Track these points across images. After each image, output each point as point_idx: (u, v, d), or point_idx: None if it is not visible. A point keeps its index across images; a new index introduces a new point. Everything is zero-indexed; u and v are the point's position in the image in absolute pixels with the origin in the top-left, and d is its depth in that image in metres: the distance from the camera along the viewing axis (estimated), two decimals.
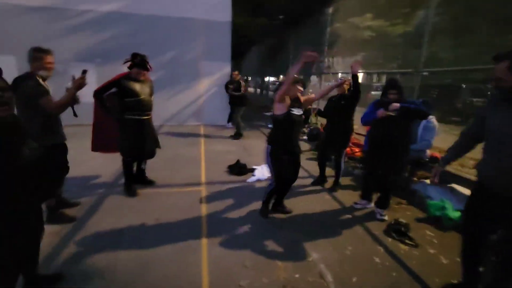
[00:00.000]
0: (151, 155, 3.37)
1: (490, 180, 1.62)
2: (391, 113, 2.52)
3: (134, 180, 3.37)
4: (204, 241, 2.40)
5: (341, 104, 3.40)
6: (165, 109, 7.92)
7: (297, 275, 2.02)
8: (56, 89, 2.47)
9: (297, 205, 3.14)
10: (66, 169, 1.94)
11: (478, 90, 10.53)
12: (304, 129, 7.52)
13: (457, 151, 1.87)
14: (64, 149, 2.54)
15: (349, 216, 2.99)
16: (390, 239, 2.56)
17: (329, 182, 3.81)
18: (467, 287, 1.83)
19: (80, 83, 2.27)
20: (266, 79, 17.96)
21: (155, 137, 3.37)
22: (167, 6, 7.29)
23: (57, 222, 2.52)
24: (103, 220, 2.63)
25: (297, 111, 2.51)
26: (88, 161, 4.16)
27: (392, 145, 2.64)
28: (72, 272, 1.94)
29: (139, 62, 2.96)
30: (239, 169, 4.16)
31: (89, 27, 7.00)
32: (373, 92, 16.65)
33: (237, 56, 21.63)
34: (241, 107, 6.65)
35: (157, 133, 3.44)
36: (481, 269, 1.78)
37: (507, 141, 1.47)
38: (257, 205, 3.08)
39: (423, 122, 3.57)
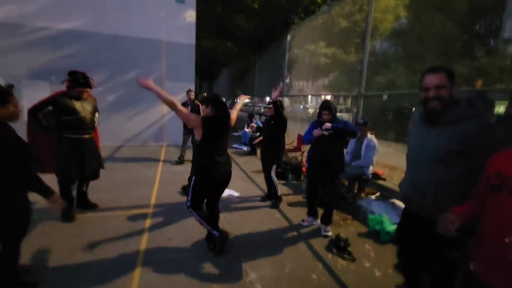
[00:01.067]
0: (93, 176, 3.20)
1: (406, 198, 1.65)
2: (325, 133, 2.69)
3: (75, 203, 3.17)
4: (138, 268, 2.26)
5: (271, 124, 3.64)
6: (125, 129, 7.70)
7: None
8: None
9: (244, 225, 3.13)
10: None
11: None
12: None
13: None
14: None
15: (295, 233, 3.03)
16: (330, 255, 2.62)
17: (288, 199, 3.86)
18: None
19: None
20: (236, 100, 18.32)
21: (98, 157, 3.22)
22: (129, 26, 7.32)
23: None
24: (27, 252, 2.39)
25: None
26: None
27: (328, 162, 2.78)
28: None
29: (83, 82, 2.90)
30: None
31: (45, 44, 6.75)
32: (338, 114, 17.71)
33: (209, 78, 21.95)
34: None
35: (100, 152, 3.29)
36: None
37: (420, 159, 1.51)
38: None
39: (365, 140, 3.84)
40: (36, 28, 6.66)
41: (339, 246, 2.69)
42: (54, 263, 2.26)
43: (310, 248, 2.73)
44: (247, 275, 2.23)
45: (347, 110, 17.59)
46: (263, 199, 3.96)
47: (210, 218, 2.47)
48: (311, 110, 12.05)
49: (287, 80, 8.07)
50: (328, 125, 2.65)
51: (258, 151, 7.48)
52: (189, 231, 2.92)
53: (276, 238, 2.91)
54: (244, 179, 5.00)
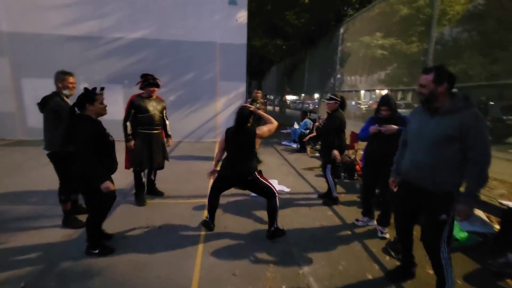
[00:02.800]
0: (160, 167, 3.63)
1: (407, 172, 1.95)
2: (382, 129, 2.56)
3: (145, 190, 3.63)
4: (200, 249, 2.51)
5: (326, 124, 3.60)
6: (184, 126, 8.40)
7: (283, 286, 2.05)
8: None
9: (295, 219, 3.17)
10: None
11: (510, 107, 9.93)
12: (318, 146, 7.55)
13: (400, 158, 2.10)
14: None
15: (349, 232, 2.96)
16: (387, 257, 2.50)
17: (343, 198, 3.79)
18: (406, 268, 2.20)
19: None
20: (285, 97, 18.27)
21: (164, 150, 3.63)
22: (187, 31, 7.94)
23: (71, 227, 2.78)
24: (112, 225, 2.85)
25: None
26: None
27: (387, 160, 2.63)
28: (74, 270, 2.14)
29: (152, 82, 3.33)
30: None
31: (119, 52, 7.78)
32: (399, 110, 16.26)
33: (259, 76, 22.35)
34: None
35: (167, 146, 3.69)
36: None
37: (421, 142, 1.82)
38: (257, 217, 3.17)
39: None
40: (112, 39, 7.72)
41: (398, 249, 2.54)
42: (130, 236, 2.66)
43: (365, 248, 2.64)
44: (299, 267, 2.29)
45: (407, 106, 16.06)
46: (320, 197, 3.90)
47: (213, 204, 2.81)
48: (363, 107, 11.36)
49: (339, 75, 7.77)
50: (392, 127, 2.51)
51: (308, 148, 7.40)
52: (244, 221, 3.10)
53: (328, 235, 2.89)
54: (294, 176, 5.03)
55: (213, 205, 2.80)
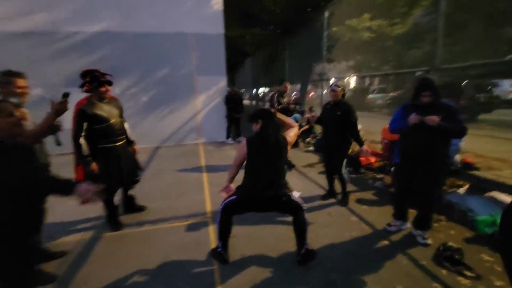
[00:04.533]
0: (135, 181, 2.98)
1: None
2: (426, 120, 2.12)
3: (125, 210, 3.12)
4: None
5: (337, 115, 3.12)
6: (160, 130, 7.54)
7: None
8: (41, 117, 2.07)
9: (321, 232, 2.69)
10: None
11: (480, 86, 10.32)
12: (310, 139, 7.15)
13: None
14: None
15: (385, 242, 2.53)
16: (444, 271, 2.11)
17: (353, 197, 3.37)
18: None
19: (59, 108, 1.90)
20: (260, 90, 17.76)
21: (135, 160, 2.99)
22: (157, 22, 7.02)
23: (35, 285, 2.04)
24: (94, 275, 2.15)
25: None
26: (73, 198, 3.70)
27: (429, 156, 2.22)
28: None
29: (102, 79, 2.53)
30: None
31: (78, 49, 6.68)
32: (370, 96, 16.49)
33: (231, 70, 21.58)
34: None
35: (135, 154, 3.01)
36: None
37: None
38: (276, 234, 2.64)
39: None
40: (68, 33, 6.59)
41: (452, 259, 2.17)
42: (122, 287, 2.00)
43: (414, 262, 2.23)
44: None
45: (381, 90, 16.32)
46: (325, 197, 3.53)
47: (226, 230, 2.19)
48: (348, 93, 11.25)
49: (326, 63, 7.37)
50: (435, 119, 2.08)
51: (300, 143, 6.97)
52: (261, 242, 2.54)
53: (365, 249, 2.43)
54: (297, 176, 4.56)
55: (226, 231, 2.21)
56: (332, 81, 6.92)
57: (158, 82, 7.39)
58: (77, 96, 2.57)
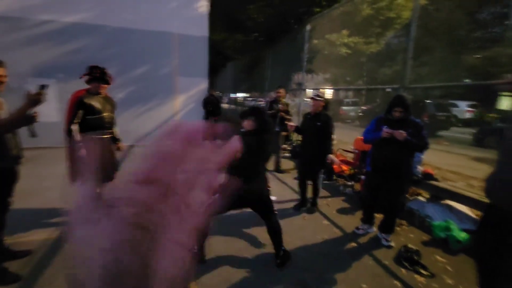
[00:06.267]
0: (111, 178, 2.92)
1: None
2: (385, 135, 2.36)
3: None
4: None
5: (317, 126, 3.20)
6: (136, 127, 7.30)
7: None
8: (10, 108, 1.98)
9: (295, 235, 2.80)
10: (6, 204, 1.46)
11: (441, 105, 11.33)
12: (286, 146, 7.35)
13: None
14: (11, 176, 2.01)
15: (354, 244, 2.71)
16: (403, 270, 2.31)
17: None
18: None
19: (35, 99, 1.85)
20: (240, 95, 17.90)
21: (115, 159, 2.97)
22: (139, 18, 6.88)
23: None
24: (60, 274, 2.06)
25: None
26: (44, 192, 3.50)
27: (397, 166, 2.45)
28: None
29: (99, 76, 2.64)
30: None
31: (50, 39, 6.32)
32: (344, 108, 17.31)
33: (212, 72, 21.48)
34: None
35: (119, 151, 3.03)
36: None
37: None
38: (250, 236, 2.71)
39: None
40: (40, 21, 6.22)
41: (412, 259, 2.39)
42: None
43: (378, 262, 2.42)
44: None
45: (354, 103, 17.21)
46: (297, 207, 3.49)
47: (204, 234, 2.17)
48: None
49: (305, 73, 7.67)
50: (403, 133, 2.30)
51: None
52: (236, 244, 2.59)
53: (335, 250, 2.59)
54: (274, 181, 4.67)
55: (204, 232, 2.23)
56: (309, 91, 7.22)
57: (136, 80, 7.19)
58: (52, 88, 2.53)
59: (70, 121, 2.54)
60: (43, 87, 1.92)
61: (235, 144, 0.40)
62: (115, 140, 2.96)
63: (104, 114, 2.72)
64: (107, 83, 2.75)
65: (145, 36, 6.97)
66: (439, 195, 3.37)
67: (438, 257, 2.53)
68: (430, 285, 2.13)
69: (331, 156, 3.19)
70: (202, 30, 7.49)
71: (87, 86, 2.70)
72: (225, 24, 9.55)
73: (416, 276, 2.24)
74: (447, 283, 2.16)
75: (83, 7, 6.41)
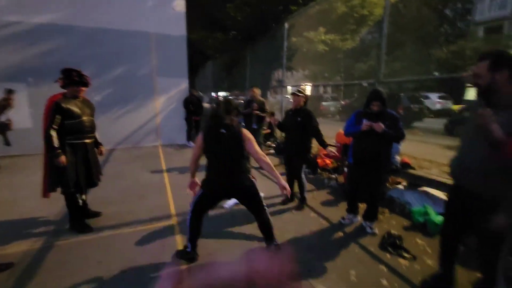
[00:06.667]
0: (94, 183, 2.86)
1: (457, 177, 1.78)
2: (364, 128, 2.48)
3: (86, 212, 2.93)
4: None
5: (297, 121, 3.25)
6: (115, 130, 7.09)
7: None
8: None
9: (284, 229, 2.87)
10: None
11: (414, 98, 11.91)
12: (270, 143, 7.43)
13: None
14: None
15: (341, 234, 2.83)
16: (388, 255, 2.44)
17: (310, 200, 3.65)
18: (445, 277, 1.90)
19: (2, 105, 1.79)
20: (220, 94, 17.79)
21: (98, 163, 2.92)
22: (115, 18, 6.65)
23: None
24: (44, 286, 1.99)
25: None
26: (22, 202, 3.33)
27: (378, 157, 2.58)
28: None
29: (78, 79, 2.57)
30: None
31: (18, 41, 5.95)
32: (324, 103, 17.75)
33: (192, 72, 21.13)
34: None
35: (100, 155, 2.99)
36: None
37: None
38: (243, 233, 2.75)
39: None
40: (6, 23, 5.84)
41: (395, 244, 2.53)
42: None
43: (364, 249, 2.54)
44: None
45: (334, 99, 17.68)
46: (284, 202, 3.57)
47: (197, 230, 2.26)
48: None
49: (285, 71, 7.78)
50: (380, 126, 2.42)
51: (262, 146, 7.20)
52: (229, 241, 2.63)
53: (324, 241, 2.69)
54: (260, 177, 4.73)
55: (196, 231, 2.24)
56: (290, 88, 7.33)
57: (113, 81, 6.97)
58: (20, 92, 2.43)
59: (48, 127, 2.47)
60: (10, 91, 1.84)
61: None
62: (97, 144, 2.89)
63: (84, 118, 2.65)
64: (86, 85, 2.68)
65: (121, 36, 6.76)
66: (416, 182, 3.58)
67: (418, 240, 2.70)
68: (412, 267, 2.27)
69: (328, 149, 3.26)
70: (180, 29, 7.38)
71: (61, 90, 2.62)
72: (204, 23, 9.45)
73: (400, 259, 2.38)
74: (427, 264, 2.32)
75: (52, 7, 6.11)
